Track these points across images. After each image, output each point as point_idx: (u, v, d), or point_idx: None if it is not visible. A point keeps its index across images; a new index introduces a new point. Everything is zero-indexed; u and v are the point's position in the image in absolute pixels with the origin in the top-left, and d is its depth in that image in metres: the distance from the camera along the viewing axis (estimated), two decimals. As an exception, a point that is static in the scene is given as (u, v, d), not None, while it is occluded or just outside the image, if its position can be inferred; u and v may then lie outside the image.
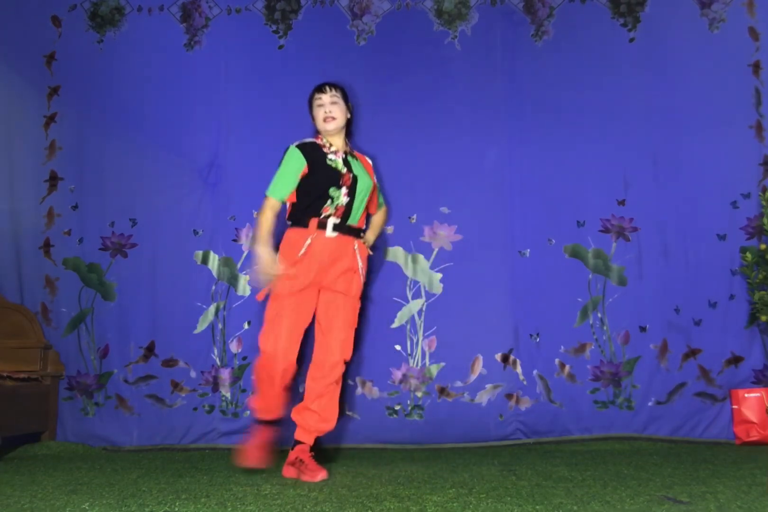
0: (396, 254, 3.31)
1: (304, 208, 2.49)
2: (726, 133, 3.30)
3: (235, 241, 3.37)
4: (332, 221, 2.45)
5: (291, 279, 2.41)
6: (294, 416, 2.50)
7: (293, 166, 2.49)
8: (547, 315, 3.24)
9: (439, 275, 3.29)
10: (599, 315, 3.24)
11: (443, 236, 3.32)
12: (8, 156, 3.52)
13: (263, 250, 2.38)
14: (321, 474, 2.25)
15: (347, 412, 3.21)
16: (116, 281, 3.38)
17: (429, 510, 1.69)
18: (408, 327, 3.25)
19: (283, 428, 2.59)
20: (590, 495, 1.85)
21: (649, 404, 3.17)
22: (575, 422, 3.17)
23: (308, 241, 2.42)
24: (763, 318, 3.08)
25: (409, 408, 3.20)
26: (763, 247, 3.15)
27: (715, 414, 3.15)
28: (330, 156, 2.52)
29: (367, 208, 2.65)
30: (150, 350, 3.32)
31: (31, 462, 2.83)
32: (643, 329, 3.23)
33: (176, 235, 3.38)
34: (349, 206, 2.49)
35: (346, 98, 2.64)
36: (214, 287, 3.34)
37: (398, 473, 2.34)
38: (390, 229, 3.30)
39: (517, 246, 3.31)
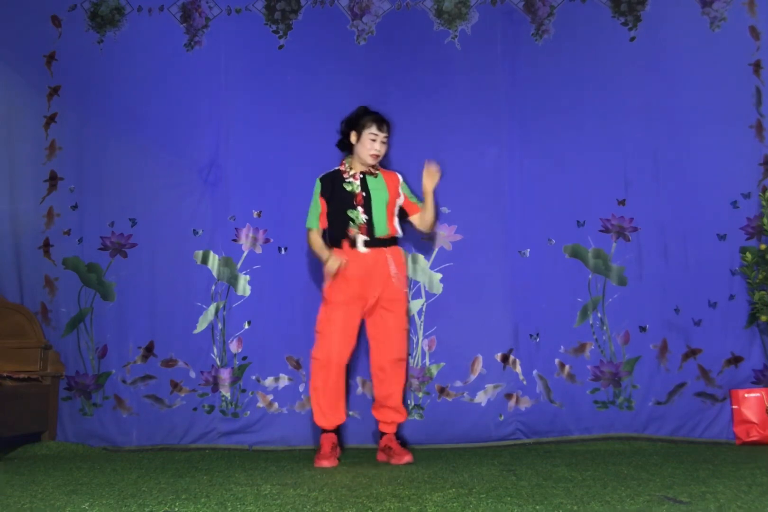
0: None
1: (334, 232, 2.84)
2: (726, 132, 3.30)
3: (234, 240, 3.37)
4: (361, 239, 2.77)
5: (338, 294, 2.75)
6: (374, 413, 2.87)
7: (315, 197, 2.89)
8: (547, 315, 3.24)
9: (439, 275, 3.29)
10: (599, 315, 3.24)
11: (443, 236, 3.32)
12: (8, 156, 3.52)
13: (323, 254, 2.79)
14: (406, 458, 2.61)
15: (347, 412, 3.21)
16: (116, 281, 3.38)
17: (429, 510, 1.69)
18: (408, 327, 3.24)
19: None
20: (590, 495, 1.84)
21: (649, 404, 3.17)
22: (575, 422, 3.17)
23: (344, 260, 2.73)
24: (763, 318, 3.08)
25: (409, 408, 3.20)
26: (763, 247, 3.14)
27: (715, 414, 3.15)
28: (348, 180, 2.84)
29: (400, 215, 2.89)
30: (149, 350, 3.32)
31: (31, 462, 2.83)
32: (643, 329, 3.23)
33: (176, 234, 3.38)
34: (370, 222, 2.78)
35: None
36: (213, 287, 3.34)
37: (398, 473, 2.34)
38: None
39: (517, 246, 3.31)
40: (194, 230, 3.39)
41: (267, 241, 3.37)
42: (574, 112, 3.36)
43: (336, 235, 2.83)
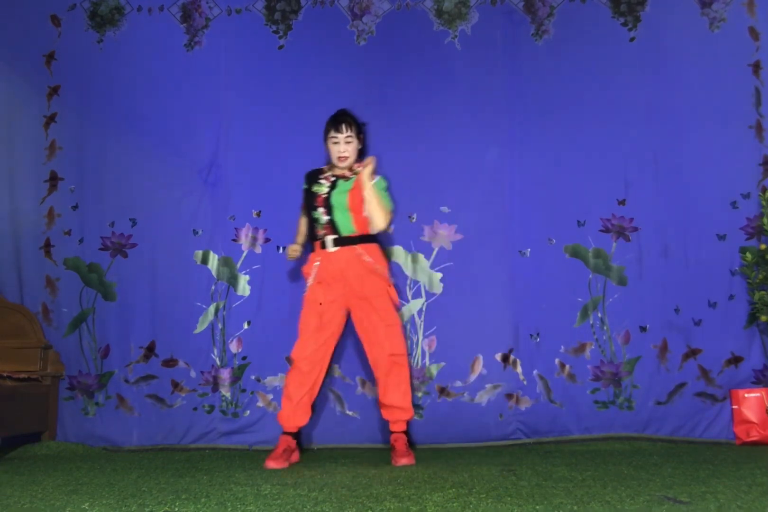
0: (396, 253, 3.31)
1: (309, 231, 2.83)
2: (726, 133, 3.30)
3: (234, 240, 3.37)
4: (330, 238, 2.74)
5: (314, 298, 2.73)
6: (382, 412, 2.79)
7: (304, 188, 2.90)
8: (547, 315, 3.24)
9: (439, 275, 3.29)
10: (599, 315, 3.24)
11: (443, 235, 3.32)
12: (8, 156, 3.52)
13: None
14: (402, 460, 2.57)
15: (347, 412, 3.21)
16: (116, 281, 3.38)
17: (429, 510, 1.69)
18: (408, 327, 3.25)
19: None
20: (590, 495, 1.84)
21: (649, 404, 3.17)
22: (575, 422, 3.17)
23: (317, 263, 2.75)
24: (763, 318, 3.08)
25: (409, 408, 3.20)
26: (763, 246, 3.15)
27: (715, 414, 3.15)
28: (320, 181, 2.82)
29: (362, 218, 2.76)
30: (150, 350, 3.32)
31: (31, 462, 2.83)
32: (643, 329, 3.23)
33: (176, 234, 3.38)
34: (332, 222, 2.74)
35: (359, 132, 2.83)
36: (213, 287, 3.34)
37: (398, 473, 2.34)
38: (390, 229, 3.29)
39: (517, 246, 3.31)
40: (194, 230, 3.39)
41: (267, 240, 3.37)
42: (574, 112, 3.36)
43: (310, 234, 2.83)
